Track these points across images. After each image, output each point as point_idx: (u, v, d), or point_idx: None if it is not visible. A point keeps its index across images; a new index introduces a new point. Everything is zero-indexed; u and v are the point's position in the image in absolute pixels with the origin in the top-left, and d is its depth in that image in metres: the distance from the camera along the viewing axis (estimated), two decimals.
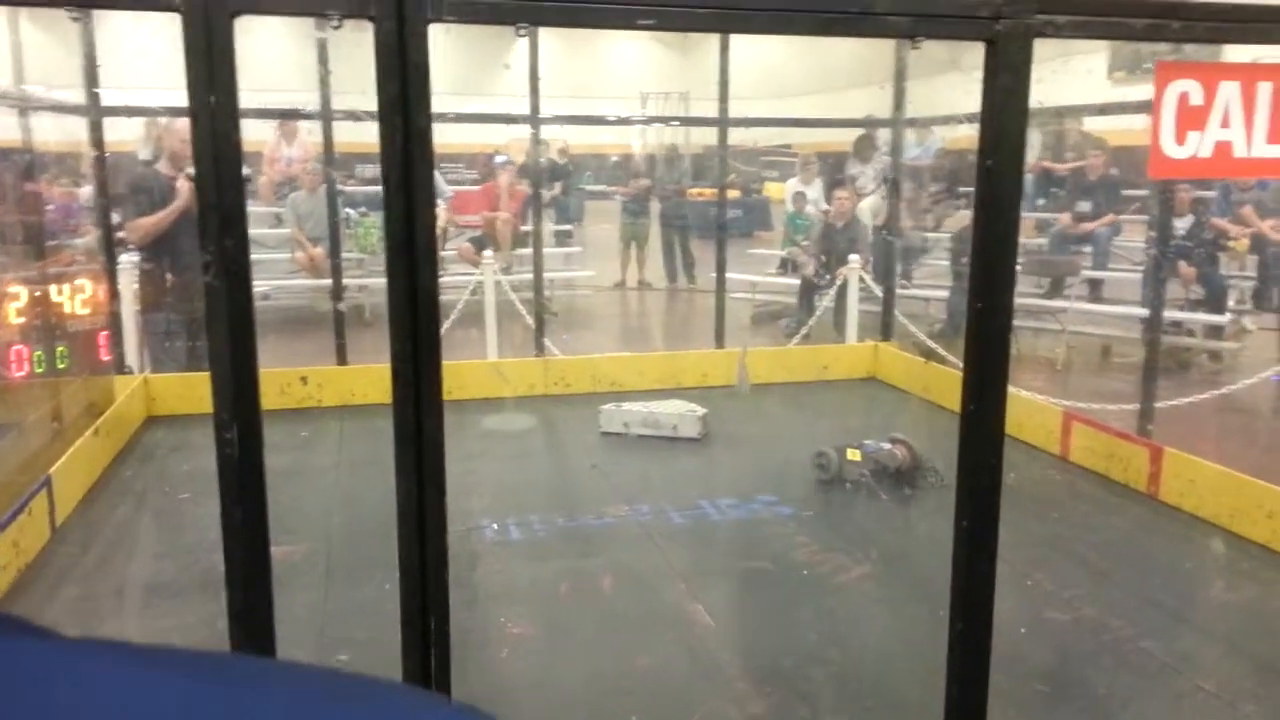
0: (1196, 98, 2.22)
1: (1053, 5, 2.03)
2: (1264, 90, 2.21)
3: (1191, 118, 2.22)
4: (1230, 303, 7.90)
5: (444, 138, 14.14)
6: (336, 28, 1.83)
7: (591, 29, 1.95)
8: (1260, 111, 2.22)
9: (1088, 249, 8.69)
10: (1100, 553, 4.27)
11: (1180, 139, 2.22)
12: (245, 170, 1.84)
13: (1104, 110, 8.74)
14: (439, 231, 9.74)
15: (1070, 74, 12.34)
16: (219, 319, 1.85)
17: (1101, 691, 3.20)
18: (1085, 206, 8.47)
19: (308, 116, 7.53)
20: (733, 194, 15.41)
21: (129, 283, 6.37)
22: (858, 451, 4.87)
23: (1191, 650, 3.42)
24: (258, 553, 1.92)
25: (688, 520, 4.55)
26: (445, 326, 6.93)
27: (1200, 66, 2.36)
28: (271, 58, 10.57)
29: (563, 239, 12.08)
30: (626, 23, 1.95)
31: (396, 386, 1.92)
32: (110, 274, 6.27)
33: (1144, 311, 6.45)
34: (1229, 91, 2.22)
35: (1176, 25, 2.21)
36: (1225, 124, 2.23)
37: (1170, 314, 7.08)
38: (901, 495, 4.77)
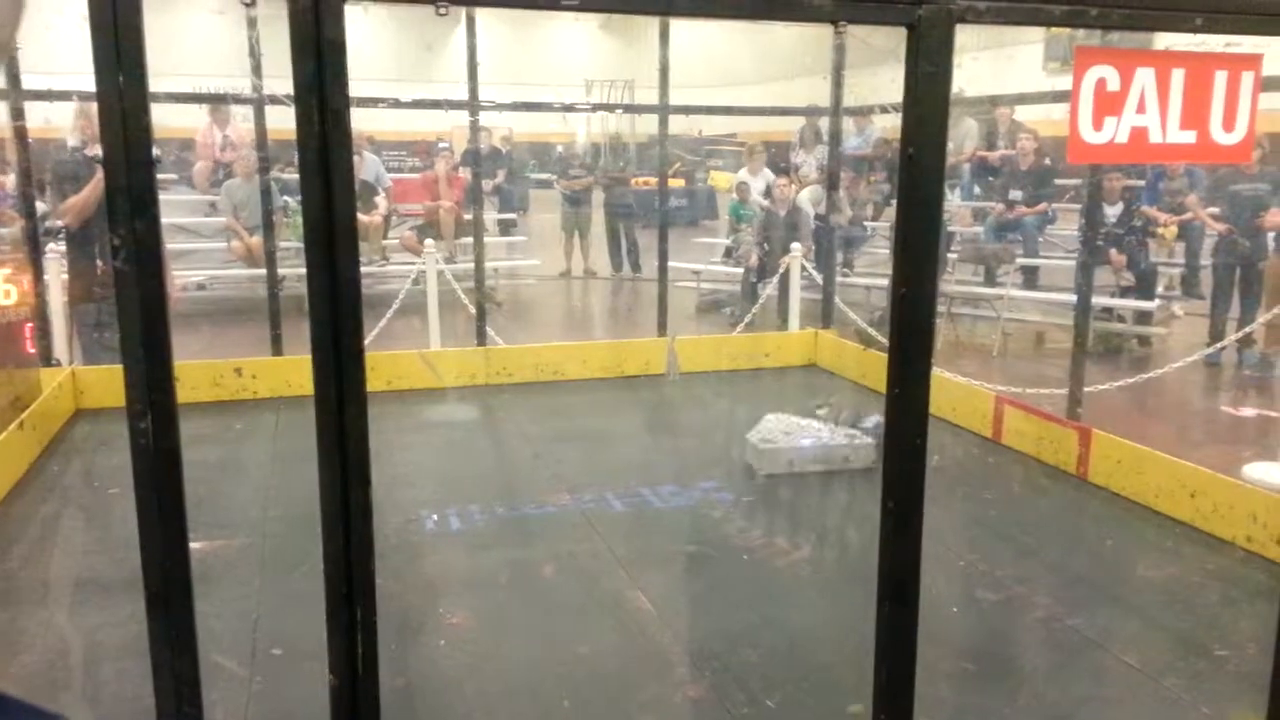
0: (1113, 84, 2.25)
1: None
2: (1177, 77, 2.26)
3: (1109, 103, 2.25)
4: (1159, 289, 8.11)
5: (386, 124, 13.98)
6: (250, 4, 1.79)
7: (514, 9, 1.93)
8: (1174, 98, 2.27)
9: (1019, 236, 8.85)
10: (1030, 533, 4.37)
11: (1098, 124, 2.25)
12: (155, 151, 1.79)
13: (1027, 99, 8.88)
14: (382, 220, 9.66)
15: (1016, 68, 12.56)
16: (130, 304, 1.79)
17: (1028, 668, 3.27)
18: (1016, 194, 8.61)
19: (239, 101, 7.36)
20: (678, 183, 15.44)
21: (56, 273, 6.19)
22: None
23: (1116, 626, 3.51)
24: (175, 545, 1.88)
25: (629, 507, 4.56)
26: (387, 316, 6.90)
27: (1117, 53, 2.40)
28: (202, 41, 10.32)
29: (507, 228, 11.98)
30: (549, 2, 1.93)
31: (317, 375, 1.88)
32: (36, 264, 6.09)
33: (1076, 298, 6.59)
34: (1144, 78, 2.26)
35: (1094, 12, 2.24)
36: (1141, 109, 2.27)
37: (1101, 300, 7.25)
38: None
